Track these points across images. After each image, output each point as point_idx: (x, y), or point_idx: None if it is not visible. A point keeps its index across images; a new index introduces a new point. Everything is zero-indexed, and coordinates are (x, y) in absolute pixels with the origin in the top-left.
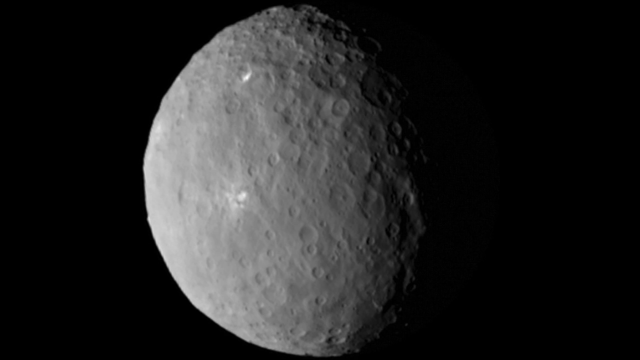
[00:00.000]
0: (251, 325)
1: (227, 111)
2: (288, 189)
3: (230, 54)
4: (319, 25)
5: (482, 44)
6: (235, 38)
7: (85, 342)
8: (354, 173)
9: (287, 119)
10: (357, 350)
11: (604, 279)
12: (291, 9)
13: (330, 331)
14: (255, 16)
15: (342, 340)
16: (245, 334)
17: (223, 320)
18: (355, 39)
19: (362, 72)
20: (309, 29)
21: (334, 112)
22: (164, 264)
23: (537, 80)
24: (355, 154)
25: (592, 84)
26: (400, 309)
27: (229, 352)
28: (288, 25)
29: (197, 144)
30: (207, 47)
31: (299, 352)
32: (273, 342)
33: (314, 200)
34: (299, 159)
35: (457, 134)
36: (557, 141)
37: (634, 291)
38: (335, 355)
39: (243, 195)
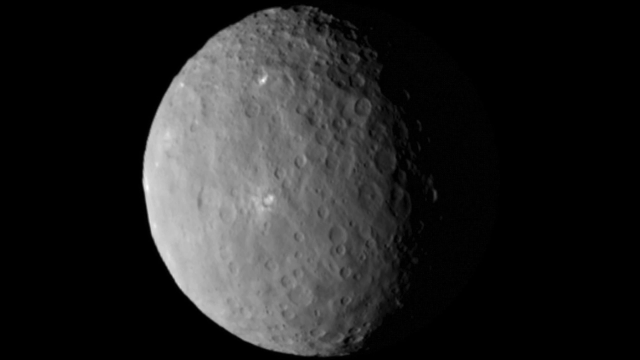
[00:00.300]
0: (270, 328)
1: (247, 115)
2: (317, 190)
3: (240, 58)
4: (327, 26)
5: (482, 44)
6: (242, 42)
7: (85, 344)
8: (381, 171)
9: (311, 120)
10: (367, 349)
11: (604, 279)
12: (291, 10)
13: (350, 331)
14: (252, 18)
15: (359, 339)
16: (259, 337)
17: (238, 324)
18: (366, 37)
19: (378, 71)
20: (318, 30)
21: (357, 111)
22: (161, 266)
23: (537, 80)
24: (381, 153)
25: (592, 84)
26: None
27: (229, 352)
28: (295, 27)
29: (217, 149)
30: (208, 52)
31: (311, 352)
32: (288, 344)
33: (343, 201)
34: (327, 160)
35: (457, 134)
36: (557, 141)
37: (634, 291)
38: (341, 354)
39: (270, 199)
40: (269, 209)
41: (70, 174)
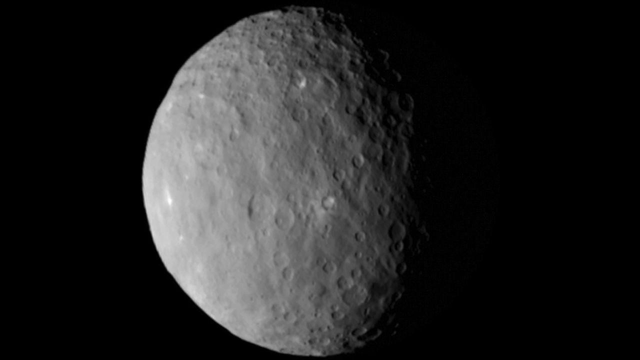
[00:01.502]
0: (312, 331)
1: (295, 119)
2: (376, 189)
3: (269, 64)
4: (344, 25)
5: (482, 44)
6: (262, 48)
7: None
8: (433, 165)
9: (362, 119)
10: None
11: (604, 279)
12: (295, 12)
13: (389, 326)
14: (251, 23)
15: (394, 334)
16: (292, 342)
17: (275, 330)
18: (386, 33)
19: (408, 66)
20: (339, 29)
21: (401, 106)
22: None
23: (537, 80)
24: (431, 146)
25: (592, 84)
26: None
27: (229, 352)
28: (313, 28)
29: (267, 156)
30: (221, 61)
31: (338, 352)
32: (322, 345)
33: (401, 197)
34: (383, 157)
35: (457, 134)
36: (557, 141)
37: (634, 291)
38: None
39: (331, 201)
40: (330, 211)
41: (59, 179)
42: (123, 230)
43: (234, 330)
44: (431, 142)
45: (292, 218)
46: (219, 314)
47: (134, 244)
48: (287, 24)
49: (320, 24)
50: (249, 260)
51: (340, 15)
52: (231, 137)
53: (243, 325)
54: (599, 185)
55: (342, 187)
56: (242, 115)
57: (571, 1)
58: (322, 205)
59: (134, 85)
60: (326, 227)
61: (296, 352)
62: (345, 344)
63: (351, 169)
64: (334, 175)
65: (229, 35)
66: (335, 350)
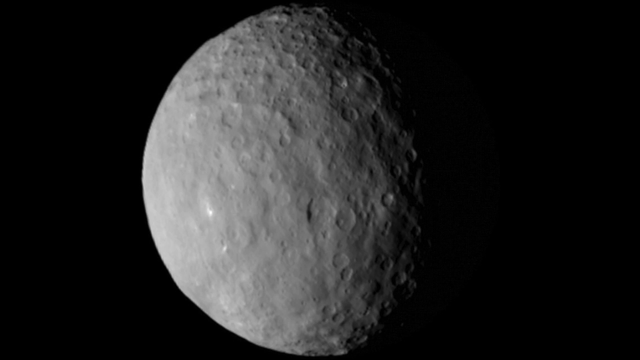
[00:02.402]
0: (356, 329)
1: (345, 119)
2: (430, 182)
3: (305, 67)
4: (360, 23)
5: (482, 44)
6: (289, 51)
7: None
8: (474, 156)
9: (409, 114)
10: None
11: (604, 279)
12: (300, 14)
13: (425, 317)
14: (256, 28)
15: (415, 326)
16: (328, 343)
17: (318, 332)
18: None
19: (422, 61)
20: (358, 27)
21: (434, 102)
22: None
23: (537, 80)
24: (470, 138)
25: (592, 84)
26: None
27: (229, 352)
28: (334, 28)
29: (323, 158)
30: (247, 68)
31: (364, 346)
32: (356, 344)
33: (452, 189)
34: (431, 151)
35: (457, 134)
36: (557, 141)
37: (634, 291)
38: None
39: (390, 198)
40: (390, 207)
41: (61, 178)
42: (121, 234)
43: (260, 337)
44: (468, 133)
45: (353, 218)
46: (254, 321)
47: (131, 247)
48: (301, 25)
49: (335, 22)
50: (306, 264)
51: (348, 13)
52: (281, 142)
53: (280, 330)
54: (599, 185)
55: (400, 182)
56: (290, 120)
57: (571, 1)
58: (382, 202)
59: (125, 86)
60: (386, 224)
61: (321, 353)
62: (376, 340)
63: (406, 164)
64: (391, 171)
65: (241, 42)
66: (363, 346)
